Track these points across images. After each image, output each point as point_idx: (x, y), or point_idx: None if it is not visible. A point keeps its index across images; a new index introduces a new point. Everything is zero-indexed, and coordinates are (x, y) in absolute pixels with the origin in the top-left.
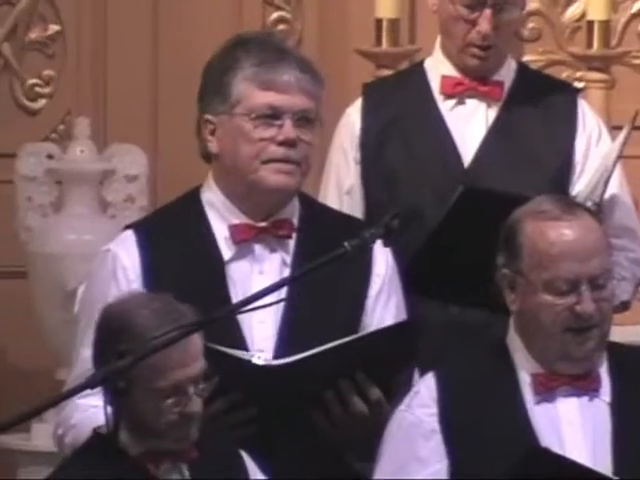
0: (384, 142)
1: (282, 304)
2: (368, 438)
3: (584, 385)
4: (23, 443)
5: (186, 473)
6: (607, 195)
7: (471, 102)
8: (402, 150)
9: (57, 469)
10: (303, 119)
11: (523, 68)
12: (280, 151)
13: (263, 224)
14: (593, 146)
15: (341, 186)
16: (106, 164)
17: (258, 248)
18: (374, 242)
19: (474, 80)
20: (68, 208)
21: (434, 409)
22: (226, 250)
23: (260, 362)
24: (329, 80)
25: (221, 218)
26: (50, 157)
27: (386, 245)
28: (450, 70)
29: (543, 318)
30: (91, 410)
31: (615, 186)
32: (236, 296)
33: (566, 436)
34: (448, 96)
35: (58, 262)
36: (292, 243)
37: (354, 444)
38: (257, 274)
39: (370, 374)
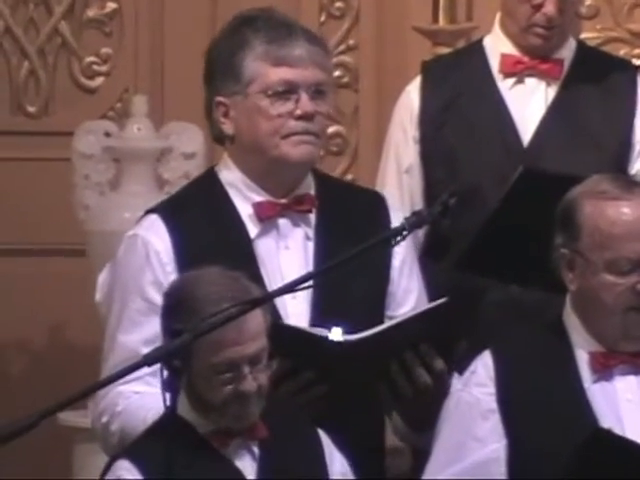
0: (443, 121)
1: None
2: (431, 410)
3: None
4: (81, 420)
5: (256, 452)
6: None
7: (530, 81)
8: (461, 129)
9: (131, 446)
10: (318, 91)
11: (582, 46)
12: (300, 125)
13: (285, 200)
14: None
15: (400, 164)
16: (163, 142)
17: (282, 224)
18: (431, 220)
19: (534, 58)
20: (125, 186)
21: (492, 388)
22: (252, 228)
23: (338, 338)
24: (387, 58)
25: (243, 197)
26: (107, 135)
27: (444, 223)
28: (510, 48)
29: (604, 298)
30: (135, 396)
31: None
32: (265, 273)
33: (625, 414)
34: (507, 74)
35: (115, 240)
36: (313, 217)
37: (419, 418)
38: (283, 250)
39: (432, 346)
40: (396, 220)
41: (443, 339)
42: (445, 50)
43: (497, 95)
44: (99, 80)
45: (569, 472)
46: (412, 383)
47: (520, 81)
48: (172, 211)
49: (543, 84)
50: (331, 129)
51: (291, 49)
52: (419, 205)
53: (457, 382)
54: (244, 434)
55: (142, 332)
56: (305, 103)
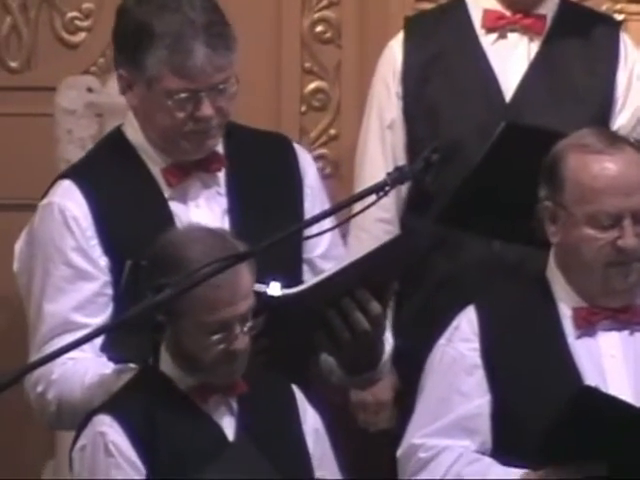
0: (426, 77)
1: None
2: (367, 353)
3: (625, 318)
4: None
5: (235, 408)
6: None
7: (513, 36)
8: (444, 85)
9: (110, 402)
10: (219, 90)
11: (565, 2)
12: (201, 125)
13: (192, 163)
14: (635, 80)
15: (383, 120)
16: None
17: (192, 184)
18: (414, 176)
19: (516, 13)
20: None
21: (476, 344)
22: (165, 188)
23: (277, 293)
24: (370, 13)
25: (153, 160)
26: (90, 90)
27: (427, 179)
28: (492, 3)
29: (585, 252)
30: (69, 363)
31: None
32: None
33: (607, 370)
34: (490, 30)
35: None
36: (222, 174)
37: (354, 361)
38: (194, 208)
39: (369, 288)
40: (303, 160)
41: (378, 283)
42: (428, 5)
43: (479, 50)
44: (81, 35)
45: (554, 429)
46: (350, 328)
47: (502, 36)
48: (85, 175)
49: (525, 39)
50: (313, 85)
51: (192, 59)
52: (402, 161)
53: (441, 338)
54: (224, 390)
55: (70, 299)
56: (206, 107)
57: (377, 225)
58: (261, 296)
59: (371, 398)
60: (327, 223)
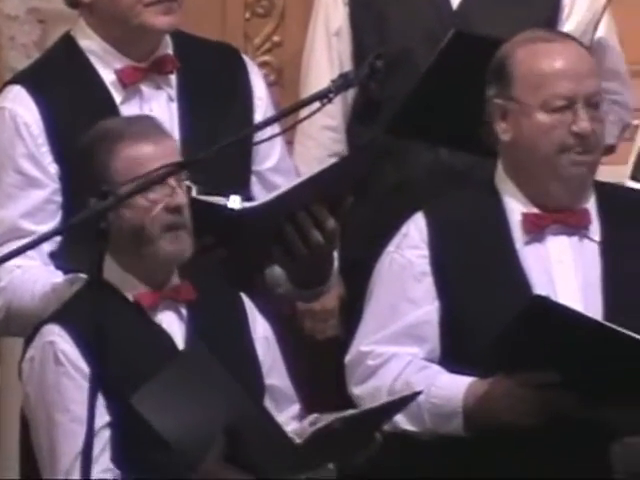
0: None
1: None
2: (321, 268)
3: (574, 222)
4: None
5: (185, 314)
6: (596, 38)
7: None
8: None
9: (58, 312)
10: None
11: None
12: None
13: (145, 65)
14: None
15: (329, 27)
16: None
17: (144, 88)
18: (358, 82)
19: None
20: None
21: (425, 251)
22: (116, 94)
23: (237, 206)
24: None
25: (105, 63)
26: None
27: (372, 85)
28: None
29: (539, 141)
30: (17, 271)
31: (604, 30)
32: None
33: (556, 275)
34: None
35: None
36: (174, 77)
37: (307, 276)
38: (148, 111)
39: (324, 204)
40: (252, 72)
41: (333, 198)
42: None
43: None
44: None
45: (504, 337)
46: (306, 243)
47: None
48: (36, 81)
49: None
50: None
51: None
52: (349, 69)
53: (390, 245)
54: (172, 295)
55: (19, 205)
56: None
57: (323, 133)
58: (221, 209)
59: (318, 306)
60: (271, 131)
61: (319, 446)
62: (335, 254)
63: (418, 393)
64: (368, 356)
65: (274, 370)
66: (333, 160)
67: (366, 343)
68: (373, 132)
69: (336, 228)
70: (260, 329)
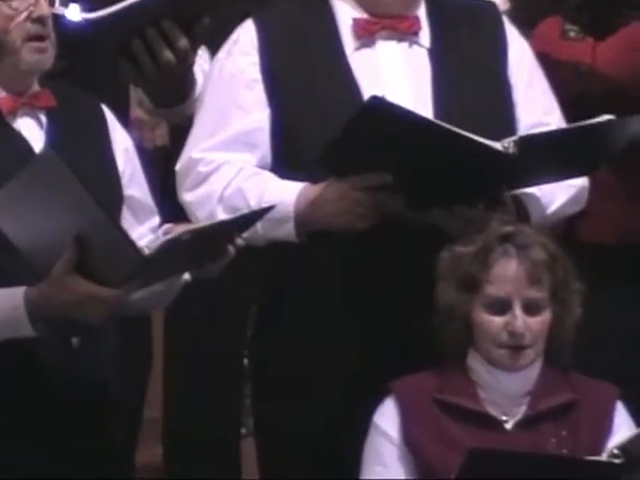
0: None
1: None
2: (176, 88)
3: (404, 28)
4: None
5: (44, 121)
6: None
7: None
8: None
9: None
10: None
11: None
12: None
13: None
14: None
15: None
16: None
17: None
18: None
19: None
20: None
21: (255, 57)
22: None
23: (76, 17)
24: None
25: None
26: None
27: None
28: None
29: None
30: None
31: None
32: None
33: (386, 81)
34: None
35: None
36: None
37: (164, 96)
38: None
39: (178, 23)
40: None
41: (188, 19)
42: None
43: None
44: None
45: (337, 141)
46: (155, 60)
47: None
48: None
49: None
50: None
51: None
52: None
53: (220, 51)
54: (31, 100)
55: None
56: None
57: None
58: (59, 19)
59: (146, 117)
60: None
61: (167, 257)
62: (199, 72)
63: (271, 207)
64: (199, 163)
65: (133, 181)
66: None
67: (197, 150)
68: None
69: (189, 48)
70: (120, 139)
